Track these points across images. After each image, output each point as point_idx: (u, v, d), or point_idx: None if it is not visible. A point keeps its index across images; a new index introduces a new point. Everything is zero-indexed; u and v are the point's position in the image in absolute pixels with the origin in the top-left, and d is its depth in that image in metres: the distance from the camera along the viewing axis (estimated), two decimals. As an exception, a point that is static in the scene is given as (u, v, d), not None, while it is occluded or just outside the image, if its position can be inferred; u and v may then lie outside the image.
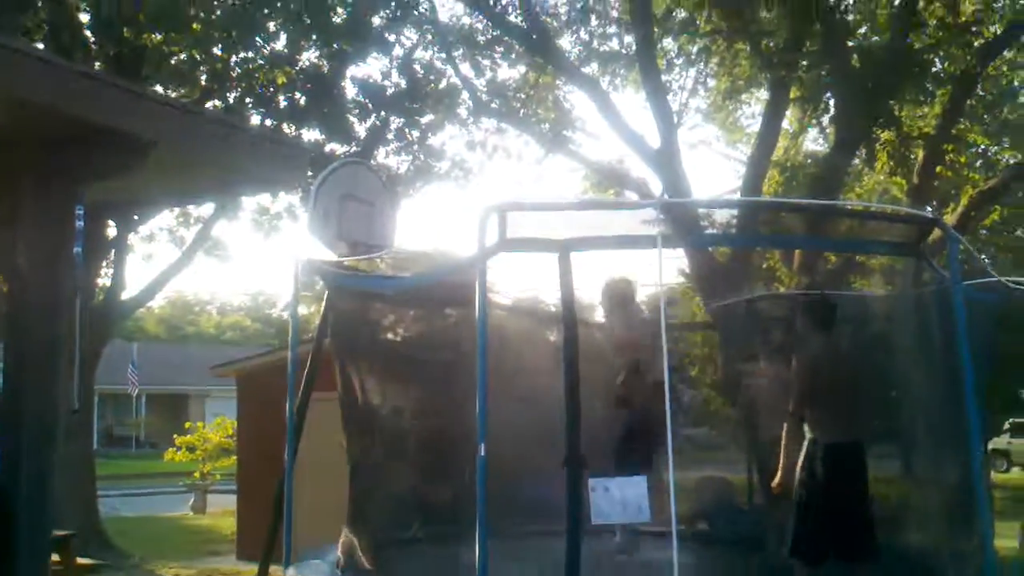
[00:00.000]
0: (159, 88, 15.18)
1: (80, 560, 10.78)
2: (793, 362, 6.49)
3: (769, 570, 7.19)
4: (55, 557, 9.95)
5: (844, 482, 6.06)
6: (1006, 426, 31.95)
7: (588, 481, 5.43)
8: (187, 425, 24.12)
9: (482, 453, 5.08)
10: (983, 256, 15.80)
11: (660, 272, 5.37)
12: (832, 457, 6.07)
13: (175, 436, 23.55)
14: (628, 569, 6.96)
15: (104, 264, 16.98)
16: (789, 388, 6.49)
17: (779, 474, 6.32)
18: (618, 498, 5.31)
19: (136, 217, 17.35)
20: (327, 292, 8.12)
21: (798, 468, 6.18)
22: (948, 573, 5.63)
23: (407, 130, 18.17)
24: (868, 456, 6.21)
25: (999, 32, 16.64)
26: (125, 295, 17.32)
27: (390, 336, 8.90)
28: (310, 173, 15.15)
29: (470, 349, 5.65)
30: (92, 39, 15.01)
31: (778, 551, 7.14)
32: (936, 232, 6.42)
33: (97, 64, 14.37)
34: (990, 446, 29.80)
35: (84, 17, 15.13)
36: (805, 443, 6.20)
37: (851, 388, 6.29)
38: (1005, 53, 17.53)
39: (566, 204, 6.38)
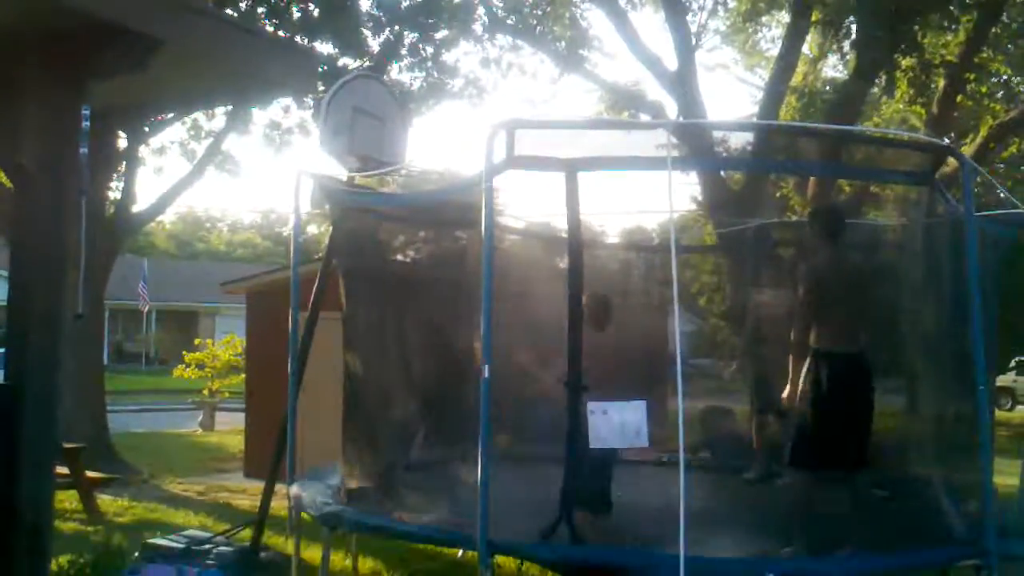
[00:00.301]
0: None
1: (89, 473, 10.89)
2: (800, 271, 6.41)
3: (767, 494, 7.22)
4: (64, 469, 10.06)
5: (847, 391, 6.01)
6: (1012, 363, 31.89)
7: (587, 404, 5.41)
8: (197, 342, 24.22)
9: (486, 375, 5.05)
10: (1001, 189, 15.61)
11: (671, 195, 5.25)
12: (835, 367, 6.01)
13: (185, 353, 23.66)
14: (628, 495, 6.97)
15: (114, 176, 16.88)
16: (796, 303, 6.43)
17: (787, 387, 6.26)
18: (617, 422, 5.29)
19: (147, 128, 17.21)
20: (333, 210, 8.04)
21: (801, 378, 6.11)
22: (948, 506, 5.61)
23: (421, 46, 17.87)
24: (872, 370, 6.14)
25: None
26: (135, 208, 17.22)
27: (398, 256, 8.85)
28: (322, 86, 15.04)
29: (476, 270, 5.59)
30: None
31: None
32: (952, 162, 6.29)
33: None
34: (995, 383, 29.79)
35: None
36: (810, 354, 6.14)
37: (857, 302, 6.20)
38: (1034, -21, 17.10)
39: (574, 123, 6.23)
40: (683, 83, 14.87)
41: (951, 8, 15.77)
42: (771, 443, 8.22)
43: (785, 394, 6.27)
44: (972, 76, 17.04)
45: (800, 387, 6.14)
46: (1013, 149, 20.18)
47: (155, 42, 4.41)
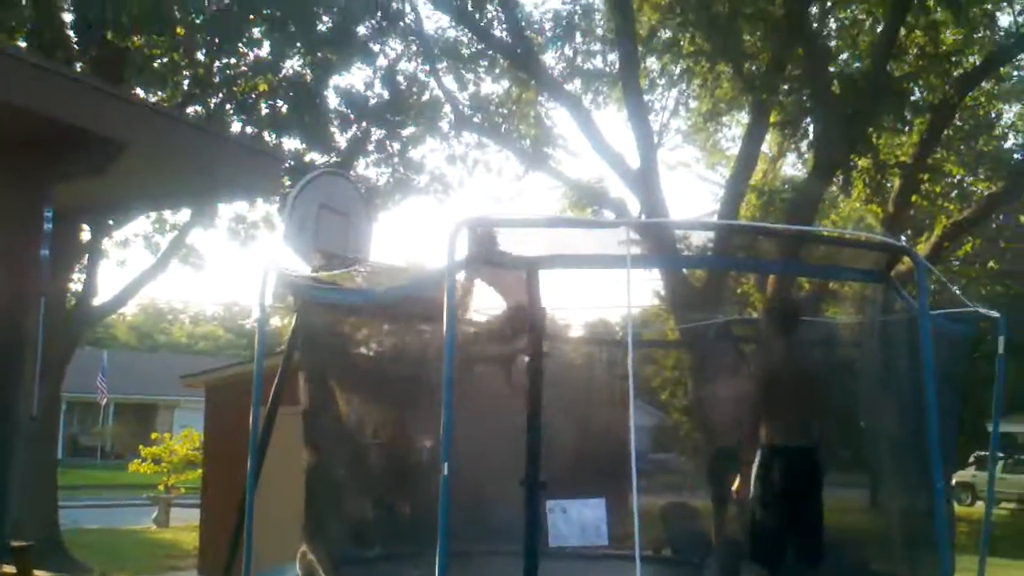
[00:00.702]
0: (140, 92, 15.08)
1: (37, 573, 10.56)
2: (752, 367, 6.51)
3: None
4: (11, 568, 9.76)
5: (796, 486, 6.07)
6: (971, 459, 32.02)
7: (546, 503, 5.38)
8: (154, 436, 23.87)
9: (445, 472, 5.00)
10: (955, 287, 15.87)
11: (629, 293, 5.32)
12: (785, 462, 6.09)
13: (141, 447, 23.29)
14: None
15: (76, 269, 16.81)
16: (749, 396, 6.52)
17: (738, 480, 6.33)
18: (576, 520, 5.25)
19: (111, 222, 17.21)
20: (298, 305, 8.02)
21: (752, 474, 6.19)
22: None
23: (388, 142, 18.15)
24: (822, 466, 6.21)
25: (978, 62, 16.79)
26: (97, 301, 17.14)
27: (361, 350, 8.81)
28: (288, 182, 15.14)
29: (438, 366, 5.58)
30: (75, 39, 14.88)
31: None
32: (907, 261, 6.40)
33: (79, 65, 14.26)
34: (955, 479, 29.87)
35: (68, 17, 15.00)
36: (759, 450, 6.21)
37: (809, 397, 6.29)
38: (983, 84, 17.67)
39: (536, 220, 6.32)
40: (646, 181, 15.12)
41: (904, 111, 16.25)
42: (729, 538, 8.20)
43: (735, 487, 6.32)
44: (926, 176, 17.49)
45: (752, 480, 6.20)
46: (968, 248, 20.59)
47: (118, 146, 4.46)
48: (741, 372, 9.36)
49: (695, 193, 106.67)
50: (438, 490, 5.03)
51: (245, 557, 6.96)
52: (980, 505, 29.27)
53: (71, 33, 14.93)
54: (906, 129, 17.34)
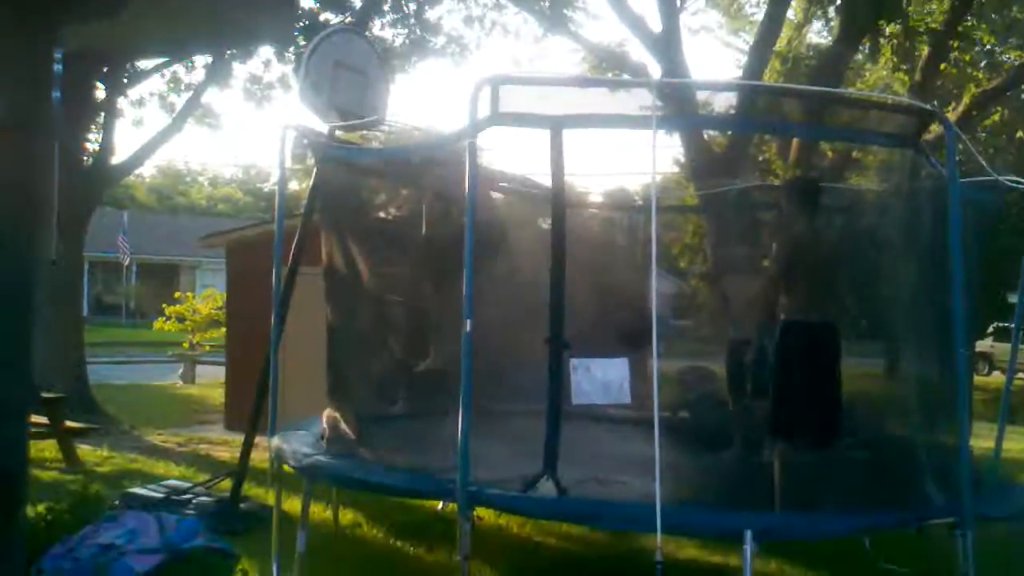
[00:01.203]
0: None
1: (68, 423, 10.88)
2: (775, 241, 6.49)
3: (747, 455, 7.28)
4: (43, 419, 10.05)
5: (815, 361, 6.11)
6: (990, 329, 32.21)
7: (570, 361, 5.45)
8: (177, 295, 24.15)
9: (468, 329, 5.06)
10: (982, 157, 15.68)
11: (654, 154, 5.27)
12: (804, 336, 6.11)
13: (165, 306, 23.60)
14: (608, 451, 7.04)
15: (93, 127, 16.73)
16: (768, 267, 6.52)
17: (751, 354, 6.37)
18: (599, 379, 5.33)
19: (125, 79, 17.05)
20: (317, 165, 8.00)
21: (773, 347, 6.21)
22: (926, 470, 5.69)
23: (403, 2, 17.75)
24: (842, 340, 6.23)
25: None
26: (114, 160, 17.10)
27: (381, 210, 8.82)
28: (303, 41, 14.88)
29: (458, 227, 5.59)
30: None
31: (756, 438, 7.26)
32: (935, 127, 6.30)
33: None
34: (974, 348, 30.06)
35: None
36: (780, 322, 6.23)
37: (830, 273, 6.29)
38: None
39: (560, 79, 6.22)
40: (667, 45, 14.81)
41: (936, -25, 15.80)
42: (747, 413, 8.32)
43: (749, 360, 6.37)
44: (956, 44, 17.07)
45: (772, 354, 6.23)
46: (995, 117, 20.26)
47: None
48: (760, 239, 9.36)
49: (718, 59, 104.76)
50: (460, 348, 5.11)
51: (271, 412, 7.11)
52: (996, 375, 29.61)
53: None
54: (938, -7, 16.90)
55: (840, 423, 6.35)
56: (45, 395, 10.26)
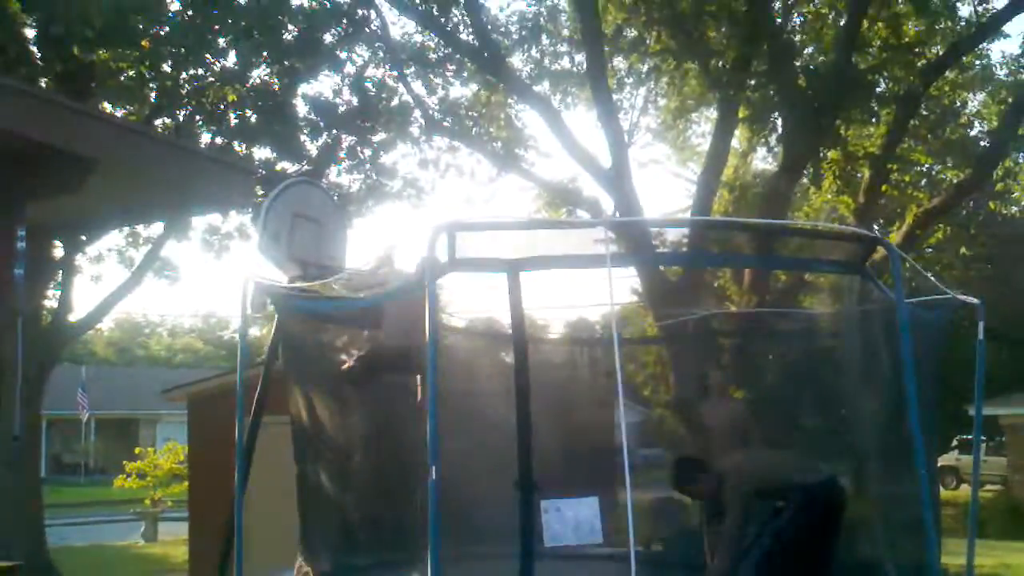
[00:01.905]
0: (107, 106, 14.99)
1: (25, 590, 10.54)
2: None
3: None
4: (-1, 588, 9.72)
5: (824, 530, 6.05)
6: (954, 443, 32.35)
7: (540, 503, 5.42)
8: (137, 450, 23.74)
9: (433, 476, 5.03)
10: (929, 273, 16.04)
11: (611, 291, 5.36)
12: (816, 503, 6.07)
13: (125, 462, 23.15)
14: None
15: (51, 285, 16.71)
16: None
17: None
18: (571, 519, 5.30)
19: (84, 237, 17.12)
20: (277, 314, 8.03)
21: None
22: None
23: (359, 148, 18.13)
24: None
25: (941, 52, 16.98)
26: (73, 317, 17.05)
27: (342, 357, 8.82)
28: (260, 192, 15.09)
29: (420, 371, 5.62)
30: (39, 55, 14.77)
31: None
32: (882, 250, 6.46)
33: (44, 81, 14.15)
34: (939, 462, 30.16)
35: (30, 33, 14.89)
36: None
37: (794, 398, 6.34)
38: (947, 73, 17.86)
39: (515, 223, 6.34)
40: (618, 180, 15.18)
41: (871, 103, 16.41)
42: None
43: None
44: (895, 166, 17.67)
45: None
46: (939, 235, 20.80)
47: (90, 162, 4.46)
48: (723, 365, 9.45)
49: (668, 190, 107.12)
50: (427, 495, 5.07)
51: (236, 567, 6.95)
52: (965, 488, 29.58)
53: (34, 48, 14.79)
54: (873, 120, 17.52)
55: None
56: (1, 564, 9.94)
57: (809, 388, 6.94)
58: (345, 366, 7.15)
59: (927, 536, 5.33)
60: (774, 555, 6.06)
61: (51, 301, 16.82)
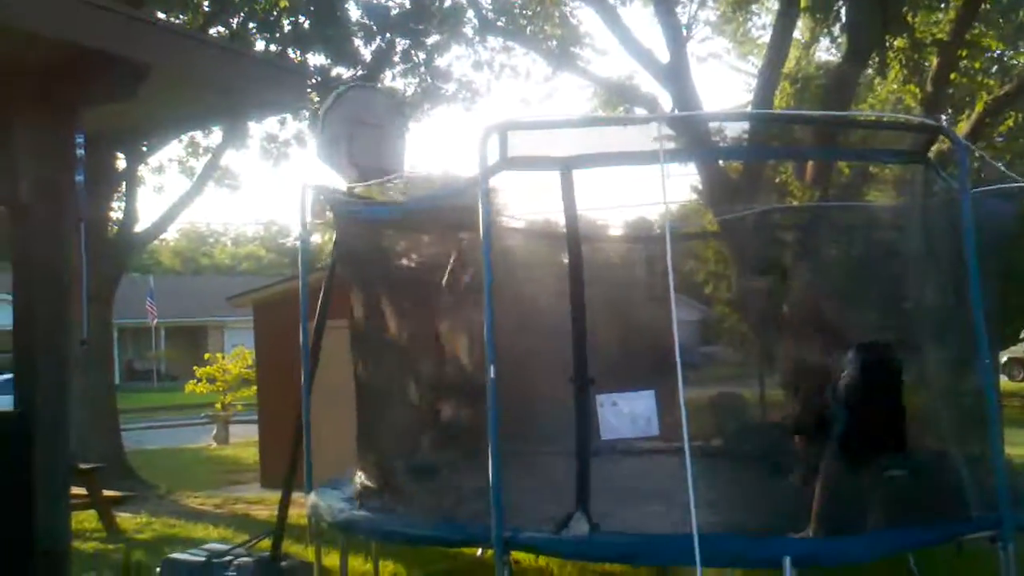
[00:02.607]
0: (161, 15, 14.99)
1: (106, 492, 10.97)
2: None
3: (781, 476, 7.25)
4: (81, 490, 10.14)
5: (885, 380, 6.04)
6: (1022, 335, 31.84)
7: (596, 397, 5.46)
8: (206, 356, 24.31)
9: (491, 375, 5.10)
10: (999, 163, 15.62)
11: (664, 187, 5.31)
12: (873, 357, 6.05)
13: (195, 368, 23.72)
14: (639, 487, 7.03)
15: (115, 197, 16.97)
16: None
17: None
18: (627, 412, 5.34)
19: (145, 148, 17.30)
20: (336, 220, 8.09)
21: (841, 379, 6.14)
22: (963, 480, 5.64)
23: (413, 52, 17.95)
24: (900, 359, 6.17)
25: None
26: (138, 227, 17.32)
27: (402, 262, 8.89)
28: (317, 98, 15.09)
29: (477, 272, 5.65)
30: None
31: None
32: (947, 141, 6.30)
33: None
34: (1006, 355, 29.78)
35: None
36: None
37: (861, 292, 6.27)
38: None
39: (567, 121, 6.26)
40: (676, 75, 14.89)
41: (940, -14, 15.83)
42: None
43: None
44: (964, 53, 17.06)
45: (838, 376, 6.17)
46: (1010, 123, 20.18)
47: (143, 68, 4.49)
48: (782, 262, 9.34)
49: (728, 85, 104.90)
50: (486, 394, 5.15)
51: (306, 468, 7.15)
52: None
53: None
54: (942, 5, 16.89)
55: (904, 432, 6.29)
56: (82, 466, 10.35)
57: (873, 282, 6.83)
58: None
59: (991, 427, 5.30)
60: (848, 421, 6.10)
61: (116, 212, 17.09)
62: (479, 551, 7.93)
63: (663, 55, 15.36)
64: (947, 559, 7.00)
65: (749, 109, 15.86)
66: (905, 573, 7.11)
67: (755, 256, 10.22)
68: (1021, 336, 31.79)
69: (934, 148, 8.58)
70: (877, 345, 6.10)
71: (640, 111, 17.37)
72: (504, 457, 5.09)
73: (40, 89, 4.61)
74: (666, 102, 16.45)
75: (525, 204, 8.05)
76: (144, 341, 44.14)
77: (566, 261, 5.97)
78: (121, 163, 16.67)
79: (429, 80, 18.46)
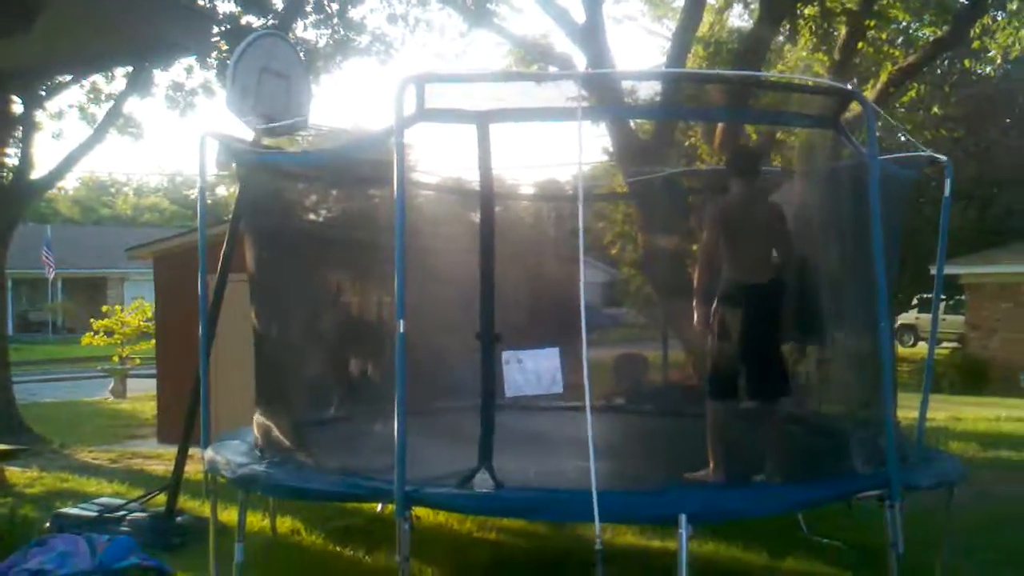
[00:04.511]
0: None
1: (-3, 446, 10.63)
2: (709, 211, 6.48)
3: (681, 439, 7.36)
4: (-31, 443, 9.81)
5: (759, 320, 6.14)
6: (914, 301, 32.98)
7: (501, 354, 5.45)
8: (105, 309, 23.69)
9: (401, 330, 5.03)
10: (901, 134, 15.97)
11: (580, 145, 5.28)
12: (747, 295, 6.13)
13: (93, 320, 23.12)
14: (542, 443, 7.06)
15: (11, 142, 16.34)
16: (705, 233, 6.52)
17: (695, 315, 6.37)
18: (531, 370, 5.33)
19: (43, 92, 16.67)
20: (239, 171, 7.89)
21: (712, 310, 6.22)
22: (854, 440, 5.79)
23: (326, 2, 17.58)
24: (782, 299, 6.26)
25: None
26: (35, 175, 16.71)
27: (306, 216, 8.73)
28: (226, 47, 14.67)
29: (387, 227, 5.57)
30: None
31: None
32: (855, 107, 6.38)
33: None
34: (898, 321, 30.79)
35: None
36: (722, 284, 6.24)
37: (769, 235, 6.33)
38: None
39: (486, 75, 6.18)
40: (591, 35, 14.82)
41: (850, -44, 16.03)
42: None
43: (695, 321, 6.36)
44: (872, 23, 17.34)
45: (712, 315, 6.23)
46: (912, 94, 20.65)
47: (38, 3, 4.29)
48: (689, 223, 9.44)
49: (642, 47, 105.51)
50: (393, 349, 5.08)
51: (203, 422, 7.00)
52: (922, 345, 30.29)
53: None
54: (853, -26, 17.13)
55: (787, 382, 6.40)
56: (-30, 418, 10.00)
57: (774, 245, 6.91)
58: None
59: (884, 388, 5.42)
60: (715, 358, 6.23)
61: (12, 159, 16.47)
62: (379, 507, 7.90)
63: (579, 14, 15.30)
64: (835, 516, 7.22)
65: (663, 70, 15.91)
66: (796, 529, 7.31)
67: (664, 218, 10.31)
68: (912, 303, 32.98)
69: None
70: (750, 284, 6.18)
71: (554, 70, 17.28)
72: (408, 413, 5.03)
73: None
74: (580, 62, 16.39)
75: (436, 159, 7.98)
76: (40, 292, 42.91)
77: (475, 218, 5.92)
78: (18, 107, 16.06)
79: (342, 32, 18.10)
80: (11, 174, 16.04)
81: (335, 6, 17.76)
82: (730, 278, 6.20)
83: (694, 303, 6.32)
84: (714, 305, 6.20)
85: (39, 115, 17.38)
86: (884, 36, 18.77)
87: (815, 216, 6.69)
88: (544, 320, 7.82)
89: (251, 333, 7.12)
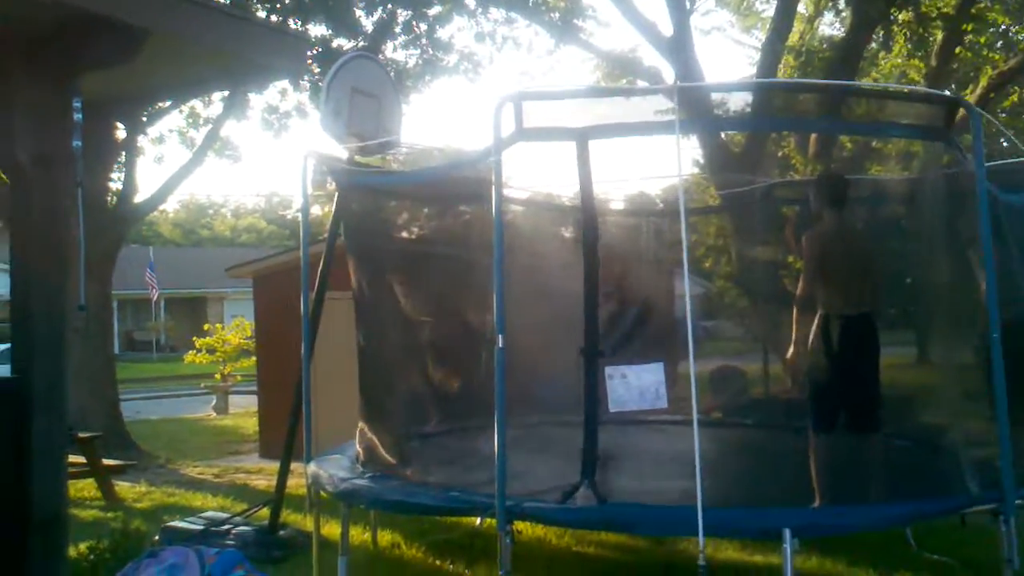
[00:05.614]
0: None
1: (105, 461, 10.98)
2: (803, 240, 6.42)
3: (782, 453, 7.27)
4: (80, 458, 10.15)
5: (854, 354, 6.06)
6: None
7: (604, 369, 5.45)
8: (206, 327, 24.28)
9: (500, 345, 5.08)
10: (1002, 140, 15.55)
11: (679, 157, 5.29)
12: (843, 329, 6.06)
13: (195, 339, 23.73)
14: (647, 458, 7.03)
15: (115, 167, 16.87)
16: (801, 265, 6.47)
17: (791, 347, 6.32)
18: (635, 385, 5.33)
19: (144, 118, 17.19)
20: (338, 190, 8.05)
21: (810, 341, 6.16)
22: (966, 454, 5.65)
23: (414, 23, 17.81)
24: (879, 330, 6.17)
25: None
26: (138, 198, 17.23)
27: (404, 234, 8.87)
28: (318, 69, 14.97)
29: (484, 244, 5.62)
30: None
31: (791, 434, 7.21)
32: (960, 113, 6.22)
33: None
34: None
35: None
36: (817, 317, 6.18)
37: (863, 265, 6.25)
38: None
39: (582, 91, 6.21)
40: (679, 48, 14.79)
41: (946, -41, 15.70)
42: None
43: (788, 355, 6.33)
44: (970, 27, 16.94)
45: (810, 347, 6.18)
46: (1014, 98, 20.09)
47: (142, 32, 4.44)
48: (785, 235, 9.31)
49: (731, 58, 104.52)
50: (494, 364, 5.12)
51: (306, 437, 7.13)
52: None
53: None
54: (948, -22, 16.77)
55: (880, 415, 6.31)
56: (81, 435, 10.35)
57: (876, 257, 6.78)
58: None
59: (997, 401, 5.27)
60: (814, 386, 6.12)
61: (116, 183, 17.00)
62: (478, 521, 7.95)
63: (666, 28, 15.26)
64: (946, 532, 7.03)
65: (755, 80, 15.74)
66: (903, 544, 7.14)
67: (758, 230, 10.18)
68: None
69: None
70: (846, 315, 6.10)
71: (643, 83, 17.25)
72: (509, 428, 5.07)
73: (37, 54, 4.56)
74: (669, 75, 16.34)
75: (530, 175, 8.03)
76: (144, 312, 44.16)
77: (567, 235, 5.92)
78: (121, 133, 16.57)
79: (430, 51, 18.33)
80: (115, 198, 16.55)
81: (423, 27, 18.00)
82: (826, 312, 6.15)
83: (792, 339, 6.28)
84: (811, 339, 6.15)
85: (141, 140, 17.93)
86: (983, 40, 18.32)
87: (921, 226, 6.55)
88: (641, 334, 7.79)
89: (355, 349, 7.24)
